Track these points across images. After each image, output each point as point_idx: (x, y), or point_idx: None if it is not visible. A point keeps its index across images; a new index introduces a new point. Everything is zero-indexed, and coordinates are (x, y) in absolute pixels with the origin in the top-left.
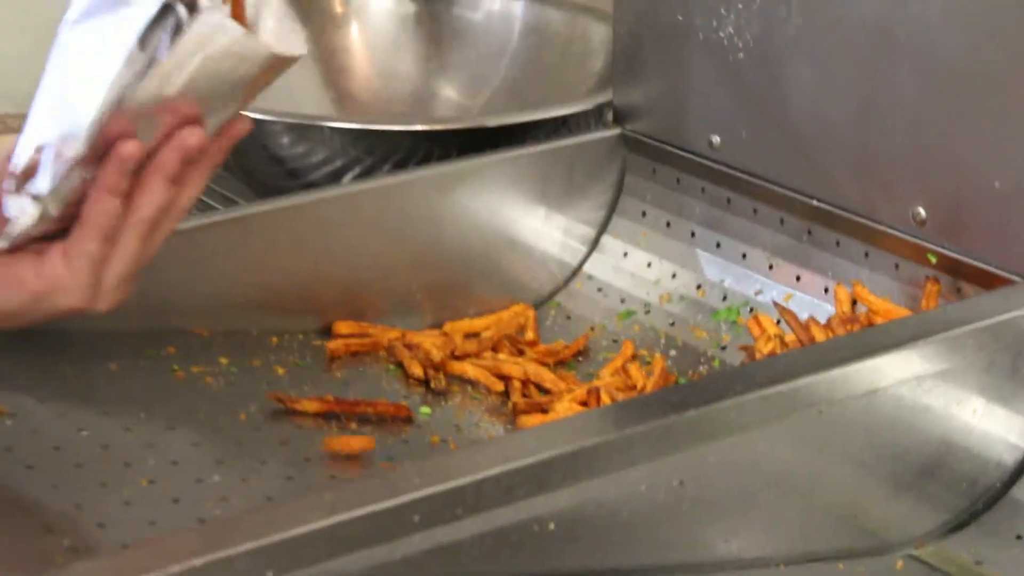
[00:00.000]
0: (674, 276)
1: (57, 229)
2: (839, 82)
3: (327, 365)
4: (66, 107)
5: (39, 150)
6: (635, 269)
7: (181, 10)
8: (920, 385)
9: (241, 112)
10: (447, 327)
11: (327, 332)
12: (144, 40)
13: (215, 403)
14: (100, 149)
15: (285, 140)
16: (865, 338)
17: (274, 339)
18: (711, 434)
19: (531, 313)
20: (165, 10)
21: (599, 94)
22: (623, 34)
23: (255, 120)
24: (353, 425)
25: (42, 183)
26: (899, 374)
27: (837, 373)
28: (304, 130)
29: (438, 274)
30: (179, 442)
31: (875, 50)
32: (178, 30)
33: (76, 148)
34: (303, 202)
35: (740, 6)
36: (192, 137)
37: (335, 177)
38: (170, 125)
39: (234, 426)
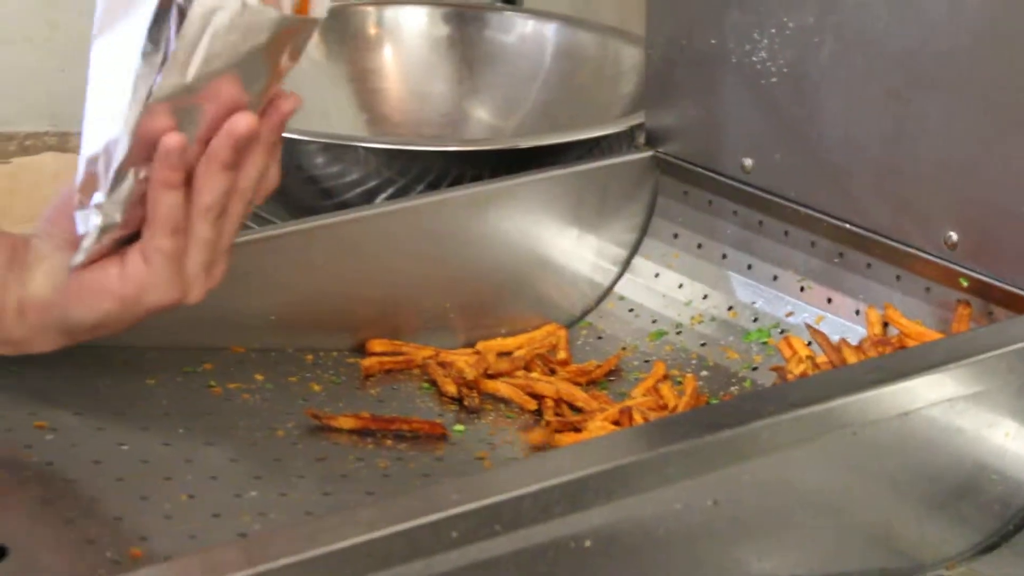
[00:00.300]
0: (705, 297)
1: (130, 235)
2: (871, 106)
3: (361, 383)
4: (105, 117)
5: (92, 162)
6: (667, 290)
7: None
8: (952, 407)
9: (289, 92)
10: (480, 346)
11: (361, 350)
12: (154, 36)
13: (252, 419)
14: (148, 148)
15: (319, 160)
16: (898, 360)
17: (309, 356)
18: (745, 454)
19: (563, 333)
20: (167, 3)
21: (631, 116)
22: (656, 57)
23: (290, 140)
24: (388, 442)
25: (100, 191)
26: (932, 396)
27: (870, 395)
28: (338, 150)
29: (471, 293)
30: (217, 457)
31: (906, 75)
32: (182, 18)
33: (121, 151)
34: (337, 222)
35: (773, 31)
36: (241, 122)
37: (369, 197)
38: (213, 112)
39: (271, 442)
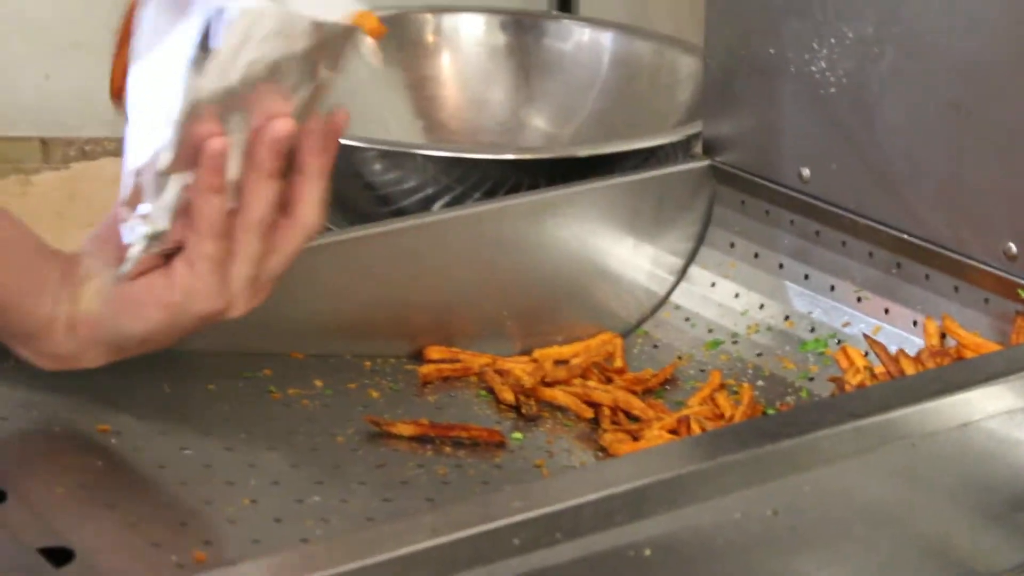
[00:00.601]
0: (762, 307)
1: (177, 246)
2: (930, 117)
3: (419, 389)
4: (151, 128)
5: (138, 174)
6: (723, 300)
7: (227, 5)
8: (1012, 419)
9: (340, 107)
10: (537, 354)
11: (419, 357)
12: (203, 43)
13: (312, 425)
14: (193, 155)
15: (377, 167)
16: (957, 371)
17: (367, 363)
18: (805, 464)
19: (619, 341)
20: (213, 11)
21: (688, 125)
22: (714, 66)
23: (348, 147)
24: (447, 449)
25: (146, 202)
26: (991, 408)
27: (930, 406)
28: (396, 157)
29: (527, 301)
30: (279, 462)
31: (967, 86)
32: (228, 23)
33: (167, 158)
34: (395, 229)
35: (832, 41)
36: (279, 127)
37: (426, 204)
38: (258, 120)
39: (331, 448)
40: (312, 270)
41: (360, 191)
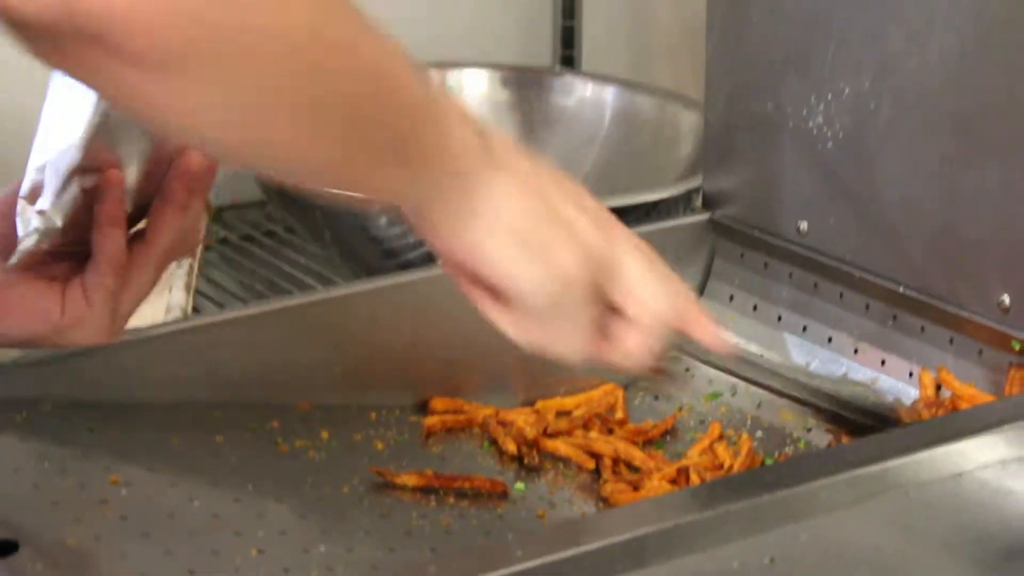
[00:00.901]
0: (761, 358)
1: (68, 243)
2: (925, 171)
3: (424, 441)
4: (60, 129)
5: (40, 170)
6: None
7: None
8: (1005, 469)
9: None
10: (539, 405)
11: (423, 408)
12: None
13: (318, 476)
14: (93, 161)
15: (383, 221)
16: (950, 422)
17: (373, 414)
18: (802, 513)
19: (620, 393)
20: None
21: (688, 179)
22: (714, 121)
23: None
24: (451, 499)
25: (45, 198)
26: (984, 458)
27: (924, 456)
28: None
29: (530, 353)
30: (286, 513)
31: (962, 141)
32: None
33: (72, 159)
34: (400, 282)
35: (830, 96)
36: (195, 161)
37: (431, 258)
38: (162, 149)
39: (337, 498)
40: (319, 323)
41: (366, 245)
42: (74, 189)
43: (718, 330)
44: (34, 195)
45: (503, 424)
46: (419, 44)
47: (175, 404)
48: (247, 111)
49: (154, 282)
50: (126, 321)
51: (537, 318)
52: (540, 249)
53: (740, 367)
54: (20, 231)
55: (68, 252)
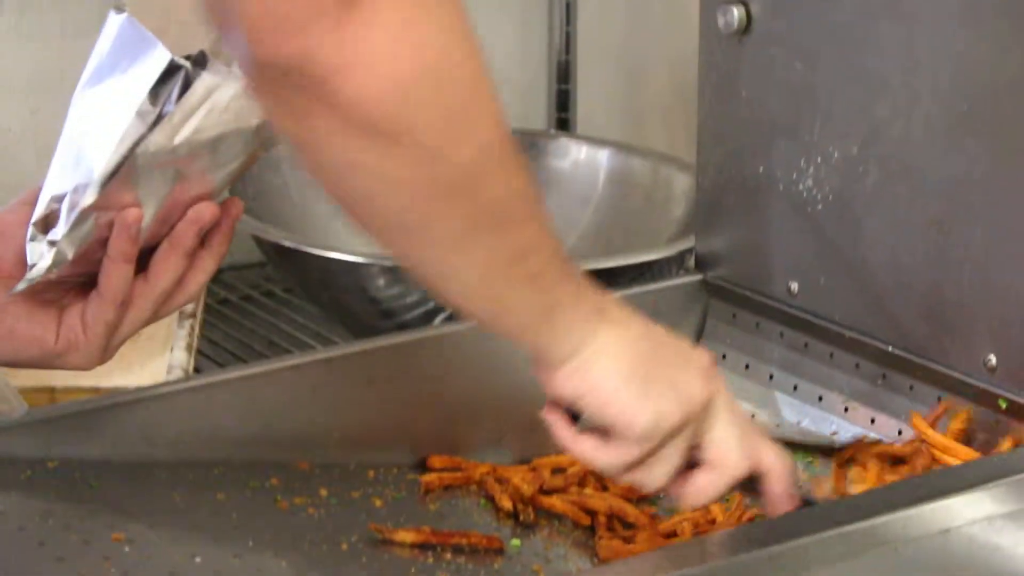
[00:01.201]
0: (753, 416)
1: (74, 274)
2: (913, 233)
3: (421, 498)
4: (80, 161)
5: (56, 200)
6: None
7: (190, 67)
8: (991, 525)
9: (236, 198)
10: (535, 463)
11: (420, 466)
12: (155, 94)
13: (318, 533)
14: (112, 200)
15: (380, 282)
16: (938, 479)
17: (371, 472)
18: (792, 569)
19: None
20: (175, 68)
21: (681, 241)
22: (706, 184)
23: (352, 262)
24: (447, 555)
25: (58, 229)
26: (971, 514)
27: (912, 512)
28: (399, 272)
29: (526, 412)
30: (285, 569)
31: (947, 203)
32: (187, 86)
33: (89, 197)
34: (398, 342)
35: (819, 160)
36: (207, 211)
37: (427, 318)
38: (180, 190)
39: (336, 555)
40: (318, 383)
41: (364, 305)
42: (89, 224)
43: (790, 495)
44: (47, 224)
45: (500, 481)
46: None
47: (177, 462)
48: (424, 199)
49: (149, 320)
50: (116, 350)
51: (633, 454)
52: (654, 394)
53: None
54: (29, 259)
55: (69, 278)
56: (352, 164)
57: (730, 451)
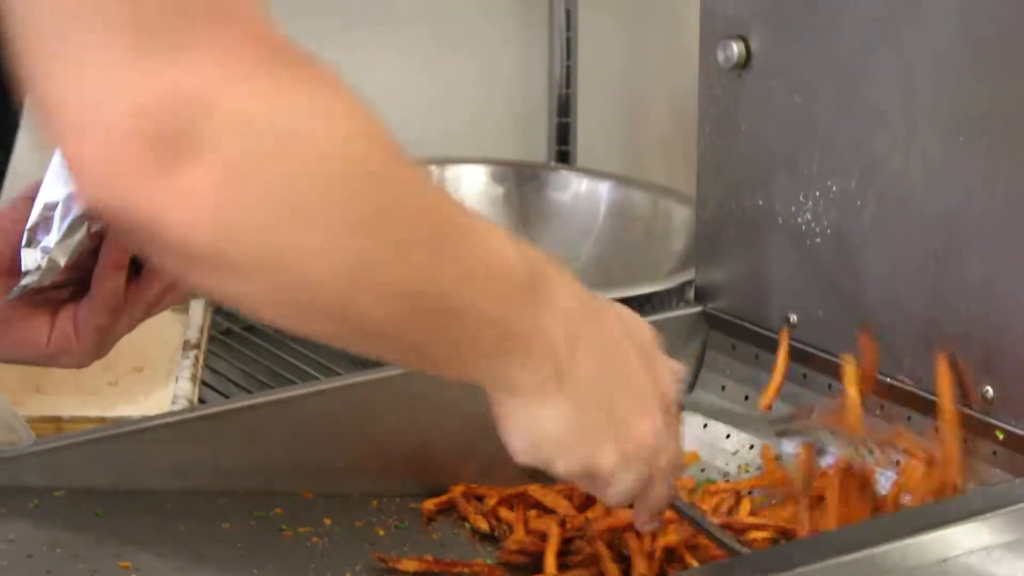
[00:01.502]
0: (752, 447)
1: (67, 280)
2: (910, 266)
3: (424, 527)
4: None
5: (49, 208)
6: (714, 440)
7: None
8: (989, 555)
9: None
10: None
11: (422, 495)
12: None
13: (322, 561)
14: None
15: None
16: (936, 509)
17: (374, 502)
18: None
19: None
20: None
21: (681, 273)
22: (705, 217)
23: None
24: None
25: (51, 237)
26: (969, 544)
27: (910, 542)
28: None
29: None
30: None
31: (945, 237)
32: None
33: (81, 206)
34: (400, 374)
35: (818, 194)
36: None
37: None
38: None
39: None
40: (321, 413)
41: None
42: (82, 232)
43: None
44: (40, 230)
45: (497, 516)
46: (421, 140)
47: (182, 491)
48: (302, 306)
49: (141, 320)
50: (109, 350)
51: (605, 482)
52: (621, 428)
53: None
54: (24, 266)
55: (62, 283)
56: (215, 292)
57: (673, 457)
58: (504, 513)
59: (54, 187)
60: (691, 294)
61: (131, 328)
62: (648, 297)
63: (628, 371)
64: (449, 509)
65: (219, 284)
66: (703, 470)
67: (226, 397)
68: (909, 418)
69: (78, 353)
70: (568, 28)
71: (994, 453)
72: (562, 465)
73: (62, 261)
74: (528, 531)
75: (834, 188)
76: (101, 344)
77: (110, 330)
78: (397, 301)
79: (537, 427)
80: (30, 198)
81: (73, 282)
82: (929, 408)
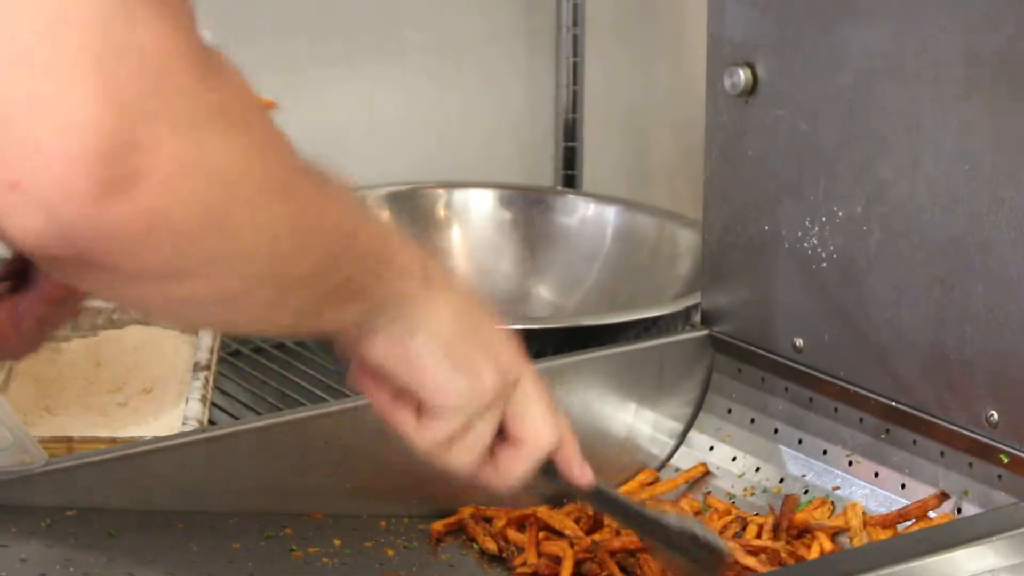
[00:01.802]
0: (758, 470)
1: (7, 274)
2: (915, 291)
3: (433, 548)
4: None
5: None
6: (720, 463)
7: None
8: None
9: None
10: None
11: (431, 516)
12: None
13: None
14: None
15: None
16: (942, 532)
17: (383, 523)
18: None
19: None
20: None
21: (687, 297)
22: (712, 241)
23: None
24: None
25: None
26: (975, 567)
27: (916, 565)
28: None
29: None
30: None
31: (950, 263)
32: None
33: None
34: None
35: (824, 219)
36: None
37: None
38: None
39: None
40: (330, 434)
41: None
42: None
43: (583, 465)
44: None
45: (505, 538)
46: (429, 164)
47: (193, 512)
48: (228, 304)
49: (76, 312)
50: (44, 343)
51: (447, 429)
52: (468, 366)
53: (600, 503)
54: None
55: (3, 275)
56: (156, 304)
57: (539, 425)
58: (512, 535)
59: None
60: (697, 318)
61: (68, 320)
62: (654, 321)
63: (487, 332)
64: (458, 530)
65: (167, 289)
66: (709, 492)
67: (236, 418)
68: (915, 442)
69: (15, 344)
70: (575, 53)
71: (999, 477)
72: (443, 376)
73: (6, 252)
74: (539, 554)
75: (840, 214)
76: (39, 336)
77: (51, 322)
78: (317, 248)
79: (426, 329)
80: None
81: (13, 275)
82: (934, 432)
